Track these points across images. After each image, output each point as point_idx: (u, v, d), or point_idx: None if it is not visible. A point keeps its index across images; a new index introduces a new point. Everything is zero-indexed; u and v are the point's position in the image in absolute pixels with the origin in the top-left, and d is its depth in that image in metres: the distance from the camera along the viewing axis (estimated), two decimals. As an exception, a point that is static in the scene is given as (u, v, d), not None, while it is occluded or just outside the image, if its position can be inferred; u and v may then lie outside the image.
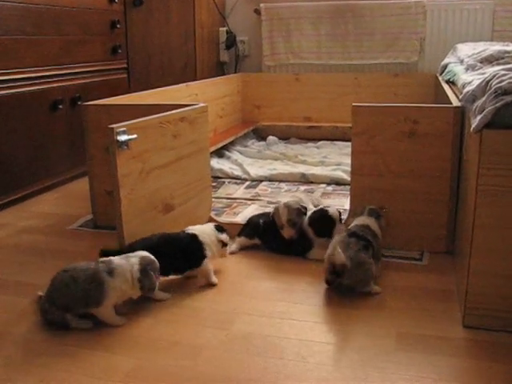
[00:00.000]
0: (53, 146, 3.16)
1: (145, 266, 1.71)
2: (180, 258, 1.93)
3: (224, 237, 2.03)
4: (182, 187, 2.21)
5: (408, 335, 1.66)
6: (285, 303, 1.87)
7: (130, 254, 1.75)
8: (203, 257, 1.96)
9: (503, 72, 1.59)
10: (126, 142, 1.85)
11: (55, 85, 3.14)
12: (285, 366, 1.52)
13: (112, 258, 1.75)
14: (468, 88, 1.87)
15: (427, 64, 4.22)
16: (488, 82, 1.61)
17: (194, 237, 1.97)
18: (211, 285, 1.99)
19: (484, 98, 1.57)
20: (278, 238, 2.21)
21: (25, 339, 1.67)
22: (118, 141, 1.82)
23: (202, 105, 2.31)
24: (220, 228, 2.05)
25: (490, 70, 2.08)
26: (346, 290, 1.90)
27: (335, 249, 1.82)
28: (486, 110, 1.52)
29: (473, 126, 1.56)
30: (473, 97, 1.71)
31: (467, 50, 3.27)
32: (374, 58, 4.30)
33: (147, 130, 1.98)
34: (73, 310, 1.69)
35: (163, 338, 1.67)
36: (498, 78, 1.57)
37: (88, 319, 1.72)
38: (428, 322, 1.73)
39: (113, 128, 1.81)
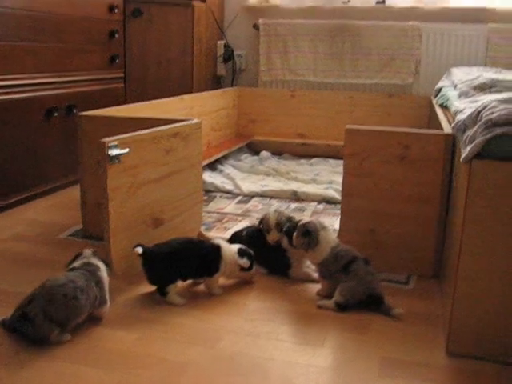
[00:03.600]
0: (47, 153, 3.16)
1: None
2: (199, 264, 2.00)
3: (243, 261, 2.07)
4: (172, 202, 2.21)
5: (392, 360, 1.67)
6: (271, 323, 1.87)
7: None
8: (217, 269, 2.02)
9: (494, 104, 1.61)
10: (117, 157, 1.85)
11: (51, 92, 3.15)
12: (267, 388, 1.52)
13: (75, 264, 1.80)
14: (460, 116, 1.89)
15: (422, 86, 4.25)
16: (479, 112, 1.63)
17: (217, 248, 2.04)
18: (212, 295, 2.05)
19: (474, 129, 1.59)
20: (261, 251, 2.21)
21: (7, 352, 1.65)
22: (109, 155, 1.83)
23: (195, 121, 2.32)
24: (243, 252, 2.09)
25: (482, 98, 2.11)
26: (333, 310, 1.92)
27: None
28: (476, 140, 1.54)
29: (463, 156, 1.57)
30: (464, 126, 1.72)
31: (461, 74, 3.30)
32: (370, 77, 4.33)
33: (140, 145, 1.99)
34: (75, 321, 1.70)
35: (149, 354, 1.67)
36: (488, 110, 1.59)
37: (67, 332, 1.71)
38: (412, 348, 1.73)
39: (104, 142, 1.82)
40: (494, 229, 1.56)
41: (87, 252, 1.85)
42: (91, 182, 2.50)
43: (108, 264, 1.85)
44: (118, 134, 2.06)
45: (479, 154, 1.54)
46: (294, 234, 2.06)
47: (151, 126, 2.22)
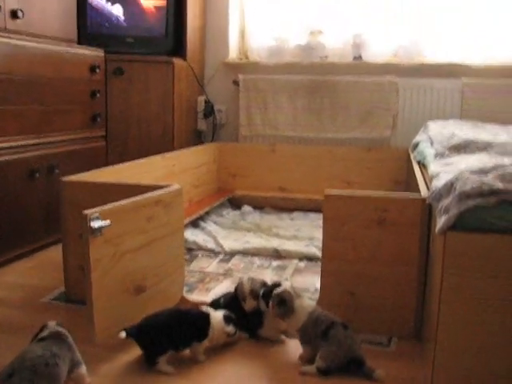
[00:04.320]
0: (28, 214, 3.17)
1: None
2: (189, 332, 2.03)
3: (230, 329, 2.11)
4: (154, 268, 2.23)
5: (374, 429, 1.68)
6: (253, 391, 1.88)
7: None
8: (206, 335, 2.06)
9: (467, 175, 1.66)
10: (99, 229, 1.87)
11: (34, 153, 3.17)
12: None
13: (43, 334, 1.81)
14: (434, 183, 1.94)
15: (399, 139, 4.33)
16: (452, 183, 1.68)
17: (206, 316, 2.09)
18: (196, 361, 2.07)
19: (449, 200, 1.64)
20: (239, 316, 2.22)
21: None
22: (91, 227, 1.84)
23: (176, 187, 2.35)
24: (228, 319, 2.13)
25: (457, 161, 2.18)
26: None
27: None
28: (451, 212, 1.58)
29: (437, 227, 1.62)
30: (439, 196, 1.77)
31: (437, 128, 3.39)
32: (348, 132, 4.41)
33: (121, 215, 2.01)
34: None
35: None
36: (461, 181, 1.64)
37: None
38: (394, 415, 1.75)
39: (86, 214, 1.84)
40: (470, 298, 1.60)
41: (52, 323, 1.87)
42: (73, 245, 2.51)
43: (71, 344, 1.85)
44: (101, 199, 2.09)
45: (453, 226, 1.58)
46: (270, 303, 2.08)
47: (132, 191, 2.25)
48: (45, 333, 1.83)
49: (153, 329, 1.97)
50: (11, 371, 1.64)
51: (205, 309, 2.14)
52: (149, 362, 1.99)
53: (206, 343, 2.08)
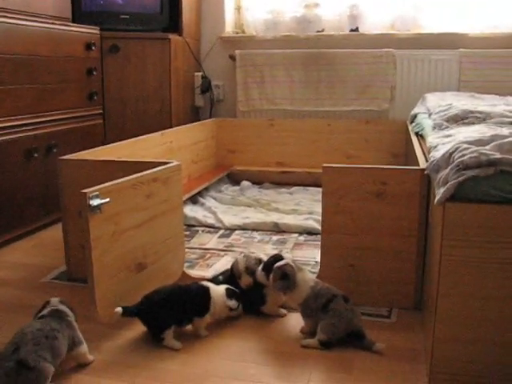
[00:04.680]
0: (28, 194, 3.17)
1: None
2: (189, 306, 2.04)
3: (232, 303, 2.12)
4: (154, 246, 2.23)
5: (376, 399, 1.70)
6: (255, 365, 1.89)
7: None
8: (207, 309, 2.07)
9: (465, 146, 1.66)
10: (98, 207, 1.87)
11: (30, 133, 3.16)
12: None
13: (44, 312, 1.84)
14: (433, 154, 1.93)
15: (398, 111, 4.31)
16: (451, 154, 1.68)
17: (206, 289, 2.10)
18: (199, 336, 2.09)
19: (447, 171, 1.63)
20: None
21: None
22: (90, 205, 1.84)
23: (175, 163, 2.35)
24: (231, 293, 2.14)
25: (455, 133, 2.17)
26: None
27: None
28: (449, 183, 1.58)
29: (436, 198, 1.62)
30: (437, 166, 1.77)
31: (435, 100, 3.37)
32: (346, 105, 4.39)
33: (120, 193, 2.01)
34: (58, 361, 1.74)
35: (134, 404, 1.69)
36: (460, 152, 1.64)
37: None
38: (395, 385, 1.77)
39: (85, 193, 1.84)
40: (470, 269, 1.61)
41: (54, 300, 1.89)
42: (73, 224, 2.51)
43: (74, 311, 1.88)
44: (99, 177, 2.09)
45: (452, 197, 1.58)
46: (271, 277, 2.09)
47: (131, 168, 2.24)
48: (46, 311, 1.84)
49: (155, 304, 1.99)
50: (15, 346, 1.66)
51: (205, 283, 2.15)
52: (155, 338, 2.00)
53: (208, 318, 2.09)
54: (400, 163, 3.99)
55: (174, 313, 2.00)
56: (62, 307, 1.86)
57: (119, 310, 1.95)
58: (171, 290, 2.06)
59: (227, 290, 2.14)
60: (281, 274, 2.06)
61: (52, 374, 1.68)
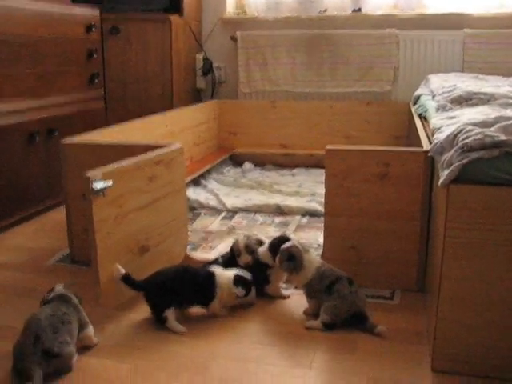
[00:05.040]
0: (30, 177, 3.16)
1: None
2: (194, 291, 2.04)
3: (238, 290, 2.09)
4: (157, 228, 2.23)
5: (378, 380, 1.70)
6: (259, 346, 1.90)
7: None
8: (212, 297, 2.06)
9: (469, 127, 1.65)
10: (101, 190, 1.87)
11: (32, 117, 3.15)
12: (259, 416, 1.55)
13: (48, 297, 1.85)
14: (437, 136, 1.92)
15: (400, 93, 4.30)
16: (455, 135, 1.67)
17: (211, 275, 2.08)
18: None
19: (451, 153, 1.63)
20: None
21: (1, 389, 1.68)
22: (93, 189, 1.84)
23: (178, 146, 2.34)
24: (238, 280, 2.10)
25: (459, 114, 2.16)
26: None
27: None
28: (453, 165, 1.58)
29: (440, 180, 1.61)
30: (441, 148, 1.76)
31: (439, 81, 3.35)
32: (349, 86, 4.37)
33: (123, 175, 2.00)
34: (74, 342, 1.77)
35: (139, 384, 1.70)
36: (464, 134, 1.63)
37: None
38: (398, 366, 1.77)
39: (89, 176, 1.83)
40: (474, 252, 1.60)
41: (59, 287, 1.90)
42: (76, 207, 2.51)
43: (79, 296, 1.89)
44: (102, 160, 2.08)
45: (456, 179, 1.58)
46: (277, 258, 2.09)
47: (133, 151, 2.24)
48: (50, 296, 1.85)
49: (158, 282, 1.99)
50: (34, 335, 1.66)
51: (213, 269, 2.13)
52: (158, 319, 2.01)
53: (216, 304, 2.08)
54: (402, 145, 3.98)
55: (176, 293, 2.00)
56: (66, 292, 1.87)
57: (122, 271, 1.96)
58: (178, 271, 2.06)
59: (235, 276, 2.11)
60: (288, 255, 2.06)
61: (75, 355, 1.74)
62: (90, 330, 1.88)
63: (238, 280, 2.10)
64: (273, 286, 2.23)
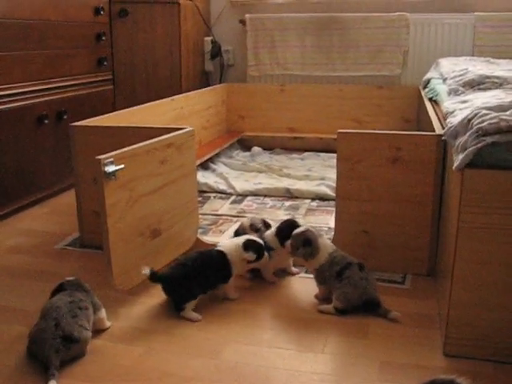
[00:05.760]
0: (39, 160, 3.17)
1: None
2: (212, 274, 2.05)
3: (248, 255, 2.08)
4: (168, 212, 2.23)
5: (391, 364, 1.70)
6: (271, 330, 1.91)
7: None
8: (230, 275, 2.07)
9: (484, 111, 1.63)
10: (113, 173, 1.87)
11: (41, 99, 3.15)
12: (272, 400, 1.56)
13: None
14: (450, 119, 1.91)
15: (410, 77, 4.26)
16: (469, 120, 1.65)
17: (222, 255, 2.07)
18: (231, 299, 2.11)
19: (466, 137, 1.61)
20: None
21: (15, 371, 1.68)
22: (105, 172, 1.84)
23: (188, 129, 2.33)
24: (248, 245, 2.10)
25: (472, 98, 2.14)
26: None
27: None
28: (468, 150, 1.56)
29: (455, 164, 1.60)
30: (455, 132, 1.75)
31: (449, 65, 3.32)
32: (358, 70, 4.33)
33: (134, 159, 2.00)
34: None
35: (153, 368, 1.70)
36: (479, 118, 1.62)
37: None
38: (410, 350, 1.77)
39: (100, 159, 1.83)
40: (487, 235, 1.60)
41: (69, 278, 1.90)
42: (87, 191, 2.51)
43: (89, 290, 1.89)
44: (112, 144, 2.08)
45: (471, 163, 1.56)
46: (290, 242, 2.08)
47: (143, 134, 2.23)
48: (63, 282, 1.86)
49: (181, 275, 1.99)
50: (55, 321, 1.68)
51: (221, 248, 2.11)
52: (176, 307, 2.01)
53: (232, 281, 2.10)
54: (412, 129, 3.95)
55: (198, 283, 2.00)
56: (76, 281, 1.88)
57: (147, 271, 1.96)
58: (195, 260, 2.04)
59: (245, 241, 2.11)
60: (304, 240, 2.06)
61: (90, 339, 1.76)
62: (103, 312, 1.89)
63: (248, 245, 2.10)
64: (268, 269, 2.24)
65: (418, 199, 2.19)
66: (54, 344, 1.64)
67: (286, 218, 2.71)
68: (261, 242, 2.14)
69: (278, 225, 2.24)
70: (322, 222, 2.80)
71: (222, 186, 3.39)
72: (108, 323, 1.90)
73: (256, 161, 4.00)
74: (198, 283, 2.00)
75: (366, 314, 1.97)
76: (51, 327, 1.66)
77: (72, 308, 1.72)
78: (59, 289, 1.84)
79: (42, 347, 1.65)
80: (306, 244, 2.04)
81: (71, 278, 1.89)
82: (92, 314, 1.81)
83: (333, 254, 2.05)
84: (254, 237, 2.16)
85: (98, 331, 1.87)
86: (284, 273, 2.31)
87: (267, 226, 2.34)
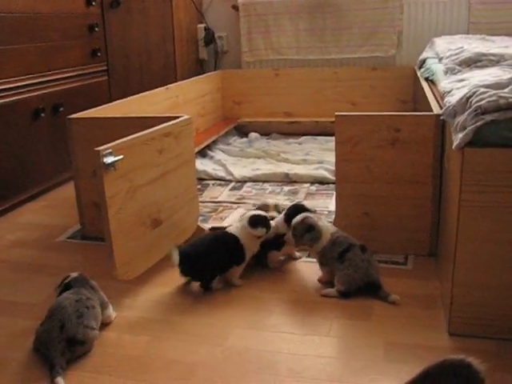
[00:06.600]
0: (36, 154, 3.16)
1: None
2: (230, 256, 2.10)
3: (258, 231, 2.11)
4: (168, 201, 2.23)
5: (396, 345, 1.71)
6: (275, 315, 1.91)
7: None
8: (243, 259, 2.11)
9: (482, 90, 1.63)
10: (112, 164, 1.86)
11: (36, 93, 3.13)
12: (281, 383, 1.56)
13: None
14: (448, 99, 1.91)
15: (405, 57, 4.24)
16: (468, 98, 1.65)
17: (236, 239, 2.10)
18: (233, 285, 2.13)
19: (465, 116, 1.61)
20: None
21: (21, 365, 1.68)
22: (104, 163, 1.83)
23: (186, 117, 2.32)
24: (255, 222, 2.11)
25: (469, 76, 2.13)
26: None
27: None
28: (468, 128, 1.56)
29: (455, 143, 1.60)
30: (454, 112, 1.74)
31: (444, 44, 3.31)
32: (353, 52, 4.31)
33: (133, 149, 1.99)
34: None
35: (159, 356, 1.71)
36: (477, 96, 1.61)
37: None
38: (415, 331, 1.78)
39: (99, 151, 1.82)
40: (490, 214, 1.60)
41: (74, 274, 1.89)
42: (86, 182, 2.51)
43: (95, 286, 1.89)
44: (109, 135, 2.07)
45: (470, 142, 1.56)
46: (292, 233, 2.09)
47: (141, 124, 2.22)
48: (68, 279, 1.86)
49: (199, 258, 2.03)
50: (60, 323, 1.67)
51: (233, 232, 2.13)
52: (205, 289, 2.08)
53: (243, 265, 2.14)
54: (409, 110, 3.95)
55: (218, 264, 2.06)
56: (81, 277, 1.88)
57: (177, 259, 2.00)
58: (209, 242, 2.09)
59: (251, 217, 2.12)
60: (307, 227, 2.06)
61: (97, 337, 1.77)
62: (110, 309, 1.89)
63: (255, 221, 2.11)
64: (276, 255, 2.25)
65: (418, 179, 2.19)
66: (59, 347, 1.64)
67: (286, 202, 2.72)
68: (264, 213, 2.16)
69: (285, 211, 2.23)
70: (322, 206, 2.80)
71: (221, 173, 3.39)
72: (114, 314, 1.91)
73: (253, 146, 3.99)
74: (217, 264, 2.06)
75: (370, 296, 1.98)
76: (56, 329, 1.66)
77: (78, 307, 1.71)
78: (65, 287, 1.83)
79: (47, 349, 1.65)
80: (310, 230, 2.04)
81: (75, 275, 1.88)
82: (100, 312, 1.81)
83: (335, 235, 2.05)
84: (256, 211, 2.18)
85: (104, 324, 1.88)
86: (286, 257, 2.31)
87: (277, 209, 2.37)
